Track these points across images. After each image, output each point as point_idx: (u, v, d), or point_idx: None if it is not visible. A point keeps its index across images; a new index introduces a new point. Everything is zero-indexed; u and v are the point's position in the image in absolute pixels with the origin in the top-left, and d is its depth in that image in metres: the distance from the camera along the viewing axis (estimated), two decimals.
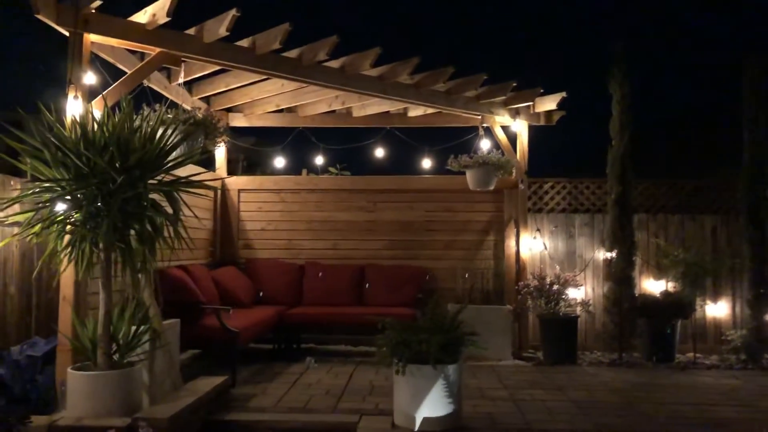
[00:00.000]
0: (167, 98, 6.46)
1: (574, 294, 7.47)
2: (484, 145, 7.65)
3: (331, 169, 8.65)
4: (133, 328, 4.48)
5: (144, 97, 5.66)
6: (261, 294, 7.53)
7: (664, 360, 7.15)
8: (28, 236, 4.11)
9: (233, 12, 5.01)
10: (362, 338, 7.73)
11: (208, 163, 8.32)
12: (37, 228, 4.06)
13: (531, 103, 7.76)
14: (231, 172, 8.65)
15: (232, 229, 8.23)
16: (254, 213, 8.30)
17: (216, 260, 7.95)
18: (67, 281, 4.57)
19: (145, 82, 6.06)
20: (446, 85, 7.04)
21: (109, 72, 5.32)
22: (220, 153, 8.22)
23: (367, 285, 7.67)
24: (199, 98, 7.28)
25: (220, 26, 5.14)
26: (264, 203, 8.31)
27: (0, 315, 4.83)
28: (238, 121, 8.24)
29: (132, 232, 4.19)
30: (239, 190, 8.29)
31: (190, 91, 7.12)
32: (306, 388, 5.75)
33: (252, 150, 10.76)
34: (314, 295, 7.60)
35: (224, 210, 8.23)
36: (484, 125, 7.81)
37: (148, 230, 4.21)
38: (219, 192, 8.16)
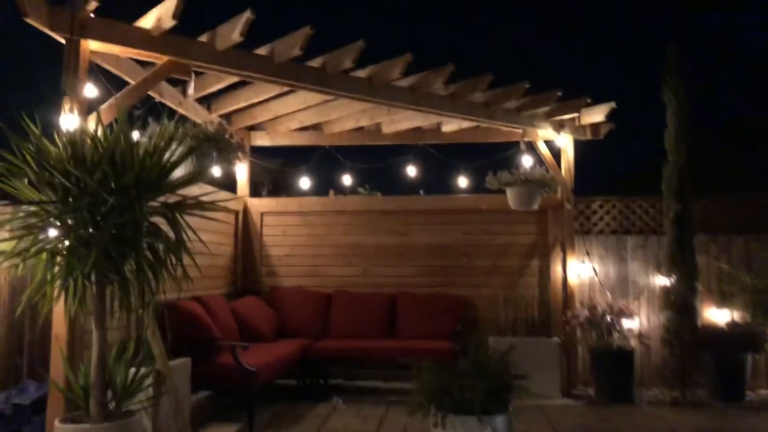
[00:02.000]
0: (182, 115, 5.99)
1: (628, 324, 6.73)
2: (526, 161, 7.02)
3: (361, 189, 8.04)
4: (133, 370, 3.92)
5: (156, 113, 5.16)
6: (284, 326, 6.94)
7: (733, 399, 6.40)
8: (12, 267, 3.58)
9: (247, 14, 4.48)
10: (395, 373, 7.08)
11: (230, 185, 7.80)
12: (19, 259, 3.53)
13: (576, 115, 7.09)
14: (255, 195, 8.11)
15: (255, 255, 7.66)
16: (278, 237, 7.72)
17: (237, 289, 7.39)
18: (58, 318, 4.03)
19: (158, 98, 5.60)
20: (484, 96, 6.43)
21: (116, 86, 4.82)
22: (242, 174, 7.70)
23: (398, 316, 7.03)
24: (218, 115, 6.79)
25: (233, 31, 4.62)
26: (289, 227, 7.74)
27: None
28: (260, 139, 7.74)
29: (130, 261, 3.64)
30: (262, 213, 7.74)
31: (208, 108, 6.65)
32: None
33: (279, 172, 10.24)
34: (342, 326, 6.98)
35: (246, 235, 7.68)
36: (526, 140, 7.16)
37: (148, 259, 3.66)
38: (240, 215, 7.63)
